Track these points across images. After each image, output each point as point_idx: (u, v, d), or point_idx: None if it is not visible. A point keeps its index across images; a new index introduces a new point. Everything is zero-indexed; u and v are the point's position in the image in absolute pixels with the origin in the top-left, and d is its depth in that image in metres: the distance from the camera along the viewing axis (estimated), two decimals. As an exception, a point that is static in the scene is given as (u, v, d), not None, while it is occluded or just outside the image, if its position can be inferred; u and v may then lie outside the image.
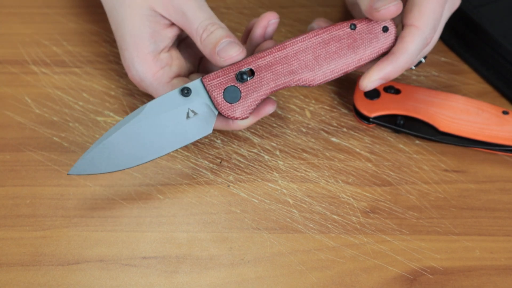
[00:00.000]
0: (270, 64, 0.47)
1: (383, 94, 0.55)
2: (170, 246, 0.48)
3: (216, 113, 0.47)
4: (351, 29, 0.48)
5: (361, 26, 0.48)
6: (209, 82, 0.46)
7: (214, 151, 0.53)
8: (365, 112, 0.54)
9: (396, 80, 0.58)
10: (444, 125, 0.53)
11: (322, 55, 0.47)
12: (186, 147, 0.53)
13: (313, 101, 0.57)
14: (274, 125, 0.55)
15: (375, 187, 0.52)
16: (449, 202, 0.51)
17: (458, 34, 0.61)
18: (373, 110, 0.54)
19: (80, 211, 0.49)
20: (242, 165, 0.52)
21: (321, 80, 0.48)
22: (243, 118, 0.47)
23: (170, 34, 0.49)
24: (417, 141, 0.54)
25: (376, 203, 0.51)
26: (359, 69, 0.49)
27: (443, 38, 0.62)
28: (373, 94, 0.55)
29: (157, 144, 0.46)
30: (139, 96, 0.56)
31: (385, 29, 0.48)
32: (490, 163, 0.53)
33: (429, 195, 0.51)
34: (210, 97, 0.47)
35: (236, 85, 0.47)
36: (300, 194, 0.51)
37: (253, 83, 0.47)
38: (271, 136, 0.54)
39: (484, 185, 0.52)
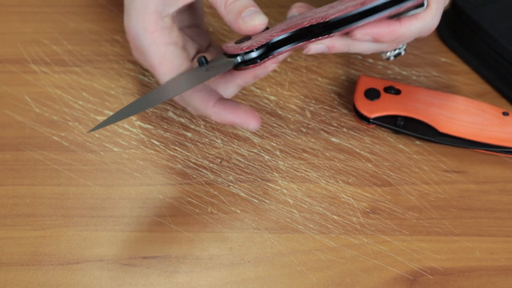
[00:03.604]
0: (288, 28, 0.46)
1: (383, 94, 0.55)
2: (171, 246, 0.48)
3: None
4: None
5: None
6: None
7: (214, 151, 0.53)
8: (365, 113, 0.54)
9: (396, 80, 0.58)
10: (444, 126, 0.53)
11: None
12: (186, 147, 0.53)
13: (313, 101, 0.57)
14: (274, 125, 0.55)
15: (375, 187, 0.52)
16: (449, 202, 0.51)
17: (458, 34, 0.61)
18: (373, 110, 0.54)
19: (80, 210, 0.49)
20: (242, 165, 0.52)
21: (336, 14, 0.45)
22: (248, 48, 0.46)
23: (181, 3, 0.48)
24: (417, 142, 0.55)
25: (376, 204, 0.51)
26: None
27: (443, 38, 0.62)
28: (373, 95, 0.54)
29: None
30: (138, 96, 0.56)
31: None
32: (490, 164, 0.53)
33: (429, 196, 0.51)
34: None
35: None
36: (300, 194, 0.51)
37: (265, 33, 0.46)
38: (271, 136, 0.54)
39: (484, 185, 0.52)
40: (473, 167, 0.53)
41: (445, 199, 0.51)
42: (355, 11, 0.44)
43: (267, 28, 0.47)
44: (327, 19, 0.45)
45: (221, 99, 0.47)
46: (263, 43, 0.45)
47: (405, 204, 0.51)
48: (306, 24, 0.45)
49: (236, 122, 0.47)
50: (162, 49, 0.47)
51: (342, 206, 0.50)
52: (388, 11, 0.44)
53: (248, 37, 0.46)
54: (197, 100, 0.47)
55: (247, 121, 0.47)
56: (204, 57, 0.46)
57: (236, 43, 0.46)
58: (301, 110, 0.56)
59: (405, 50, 0.52)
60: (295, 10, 0.51)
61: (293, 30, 0.45)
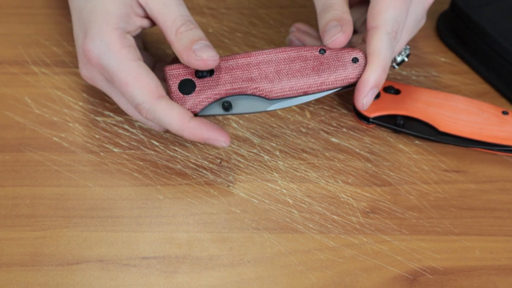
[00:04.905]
0: (231, 67, 0.48)
1: (383, 94, 0.55)
2: (170, 246, 0.48)
3: None
4: (320, 53, 0.48)
5: (330, 52, 0.48)
6: (169, 71, 0.48)
7: (214, 151, 0.53)
8: (365, 112, 0.54)
9: (396, 80, 0.58)
10: (444, 125, 0.53)
11: (284, 71, 0.48)
12: (185, 147, 0.53)
13: (313, 101, 0.57)
14: (274, 125, 0.55)
15: (374, 187, 0.52)
16: (449, 202, 0.51)
17: (458, 34, 0.61)
18: (372, 110, 0.54)
19: (80, 211, 0.49)
20: (242, 165, 0.52)
21: (278, 94, 0.48)
22: (193, 112, 0.47)
23: (139, 23, 0.49)
24: (417, 141, 0.55)
25: (376, 203, 0.51)
26: (321, 91, 0.49)
27: (443, 38, 0.62)
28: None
29: None
30: (139, 97, 0.56)
31: (355, 60, 0.48)
32: (490, 163, 0.53)
33: (429, 195, 0.51)
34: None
35: (193, 79, 0.47)
36: (300, 194, 0.51)
37: (210, 81, 0.47)
38: (271, 136, 0.54)
39: (484, 185, 0.52)
40: (472, 166, 0.53)
41: (445, 198, 0.51)
42: (295, 96, 0.48)
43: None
44: (269, 97, 0.48)
45: (195, 117, 0.47)
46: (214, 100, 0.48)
47: (404, 204, 0.51)
48: (249, 92, 0.48)
49: (209, 137, 0.47)
50: (135, 64, 0.47)
51: (341, 206, 0.50)
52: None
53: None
54: (175, 116, 0.46)
55: (219, 137, 0.47)
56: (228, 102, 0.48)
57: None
58: (300, 110, 0.56)
59: (408, 56, 0.53)
60: (293, 35, 0.54)
61: (238, 92, 0.48)
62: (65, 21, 0.62)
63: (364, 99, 0.47)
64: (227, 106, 0.47)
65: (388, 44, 0.47)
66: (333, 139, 0.54)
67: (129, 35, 0.48)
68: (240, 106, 0.48)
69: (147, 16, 0.50)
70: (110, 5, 0.48)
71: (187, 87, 0.47)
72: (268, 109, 0.48)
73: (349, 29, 0.48)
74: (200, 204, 0.50)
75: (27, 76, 0.57)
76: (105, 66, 0.47)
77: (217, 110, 0.48)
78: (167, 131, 0.54)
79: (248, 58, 0.48)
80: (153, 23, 0.50)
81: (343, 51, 0.48)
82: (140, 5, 0.49)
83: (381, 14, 0.47)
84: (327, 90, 0.48)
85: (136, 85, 0.46)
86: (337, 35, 0.47)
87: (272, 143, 0.54)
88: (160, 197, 0.50)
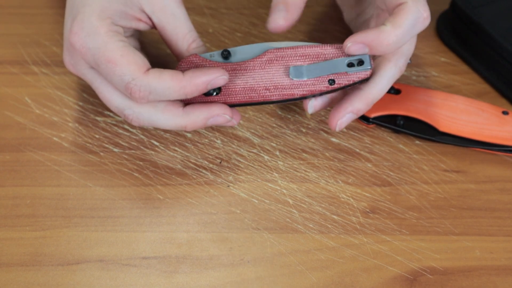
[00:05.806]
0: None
1: (383, 94, 0.55)
2: (170, 246, 0.48)
3: None
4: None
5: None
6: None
7: (214, 151, 0.53)
8: (365, 112, 0.54)
9: (396, 80, 0.58)
10: (444, 125, 0.53)
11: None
12: (185, 147, 0.53)
13: (313, 101, 0.57)
14: (274, 125, 0.55)
15: (375, 187, 0.52)
16: (449, 202, 0.51)
17: (458, 34, 0.61)
18: (372, 110, 0.54)
19: (80, 211, 0.49)
20: (242, 165, 0.53)
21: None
22: None
23: (134, 25, 0.49)
24: (417, 141, 0.55)
25: (376, 203, 0.51)
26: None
27: (443, 38, 0.62)
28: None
29: None
30: (139, 96, 0.56)
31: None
32: (490, 163, 0.53)
33: (429, 195, 0.51)
34: None
35: None
36: (300, 194, 0.51)
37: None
38: (271, 136, 0.54)
39: (484, 185, 0.52)
40: (473, 166, 0.53)
41: (445, 198, 0.51)
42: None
43: None
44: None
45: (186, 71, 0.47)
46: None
47: (405, 204, 0.51)
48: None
49: (209, 77, 0.46)
50: (121, 44, 0.46)
51: (341, 206, 0.50)
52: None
53: None
54: (168, 78, 0.45)
55: (216, 73, 0.46)
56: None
57: None
58: (300, 110, 0.56)
59: (410, 58, 0.53)
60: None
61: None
62: (65, 21, 0.62)
63: (386, 47, 0.46)
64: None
65: (413, 22, 0.46)
66: (333, 139, 0.54)
67: (119, 28, 0.48)
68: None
69: (146, 22, 0.50)
70: None
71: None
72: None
73: (293, 17, 0.49)
74: (200, 204, 0.50)
75: (27, 76, 0.57)
76: (90, 48, 0.46)
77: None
78: (166, 131, 0.54)
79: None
80: (148, 27, 0.50)
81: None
82: (144, 11, 0.49)
83: None
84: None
85: (124, 62, 0.45)
86: (279, 23, 0.49)
87: (272, 143, 0.54)
88: (160, 197, 0.50)
